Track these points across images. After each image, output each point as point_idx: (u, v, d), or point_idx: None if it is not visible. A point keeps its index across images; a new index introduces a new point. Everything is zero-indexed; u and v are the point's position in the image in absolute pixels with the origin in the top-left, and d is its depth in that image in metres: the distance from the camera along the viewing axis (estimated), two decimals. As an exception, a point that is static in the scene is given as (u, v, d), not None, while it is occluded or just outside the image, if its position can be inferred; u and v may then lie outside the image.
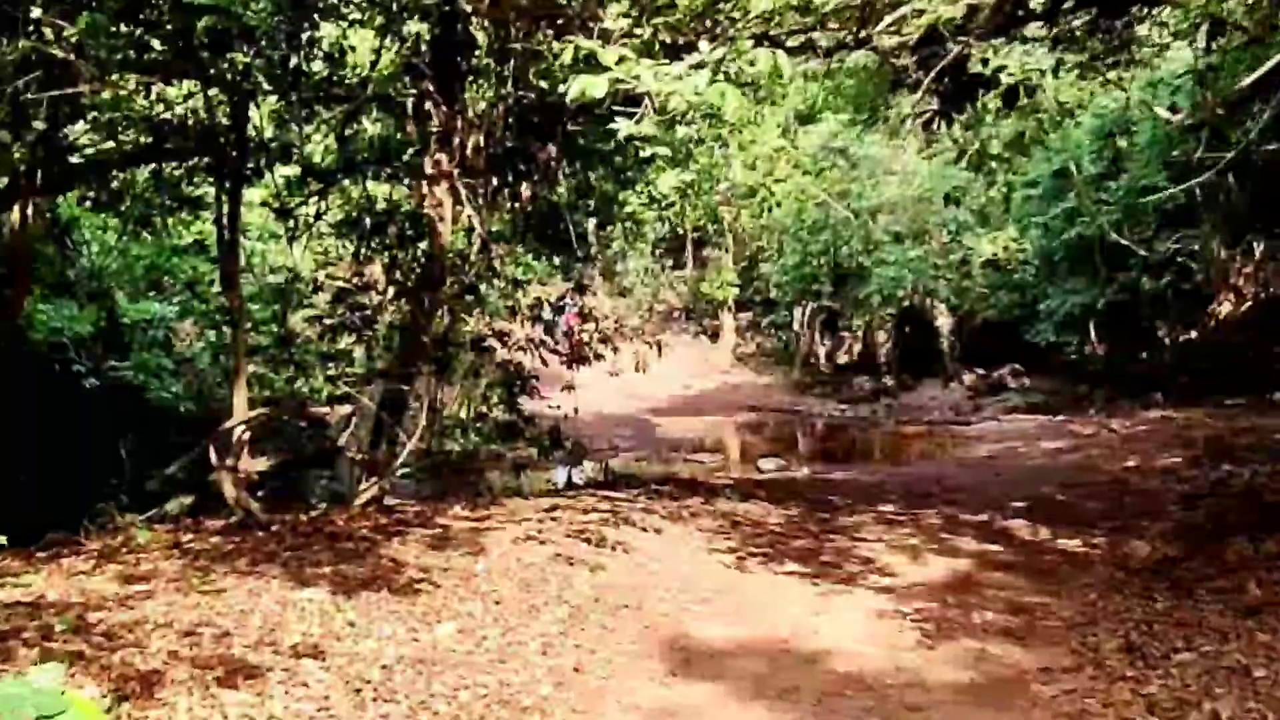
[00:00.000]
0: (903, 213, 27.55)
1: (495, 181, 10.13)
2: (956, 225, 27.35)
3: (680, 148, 6.65)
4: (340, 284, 12.00)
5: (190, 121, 10.53)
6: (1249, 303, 21.74)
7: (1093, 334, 24.05)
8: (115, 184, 10.51)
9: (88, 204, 11.12)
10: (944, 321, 29.16)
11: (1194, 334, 22.92)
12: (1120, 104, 21.58)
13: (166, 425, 12.84)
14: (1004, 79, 7.81)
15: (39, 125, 6.38)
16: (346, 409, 11.07)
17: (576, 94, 5.47)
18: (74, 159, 9.51)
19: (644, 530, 8.85)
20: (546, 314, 12.07)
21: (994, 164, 8.51)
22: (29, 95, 6.26)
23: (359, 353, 12.92)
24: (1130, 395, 21.43)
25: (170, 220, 12.09)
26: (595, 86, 5.43)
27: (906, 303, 28.82)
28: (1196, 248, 20.04)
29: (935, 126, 8.40)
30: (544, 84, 8.26)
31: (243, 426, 9.23)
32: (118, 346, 13.70)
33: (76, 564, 6.95)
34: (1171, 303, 22.05)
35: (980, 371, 27.42)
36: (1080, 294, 23.25)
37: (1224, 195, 18.39)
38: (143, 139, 9.70)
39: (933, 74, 6.83)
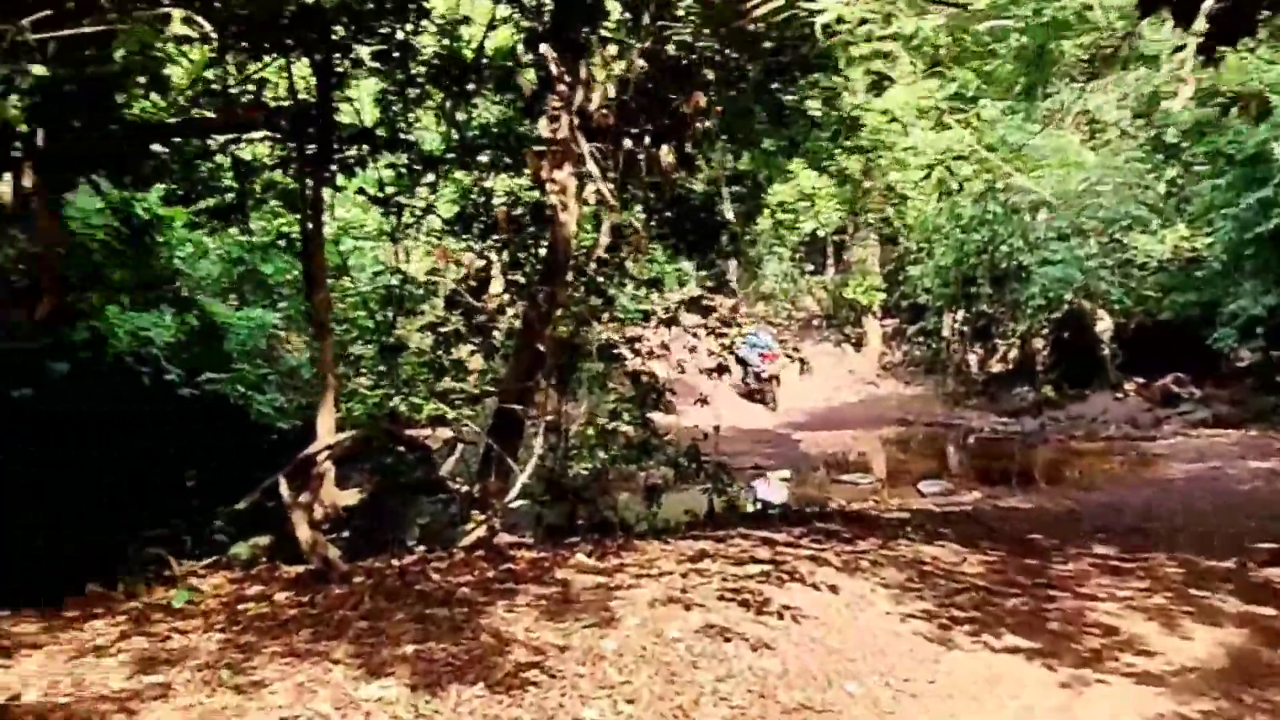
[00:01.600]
0: (1065, 208, 24.94)
1: (629, 145, 8.28)
2: (1130, 220, 24.68)
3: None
4: (454, 286, 10.47)
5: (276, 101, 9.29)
6: None
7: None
8: (179, 163, 9.15)
9: (158, 194, 9.85)
10: (1105, 326, 26.47)
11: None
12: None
13: (269, 445, 11.47)
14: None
15: (38, 70, 4.80)
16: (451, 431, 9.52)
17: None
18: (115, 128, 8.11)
19: (815, 588, 6.90)
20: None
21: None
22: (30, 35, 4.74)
23: (477, 363, 11.38)
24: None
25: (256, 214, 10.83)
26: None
27: (1068, 305, 26.21)
28: None
29: (1202, 61, 6.44)
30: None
31: (327, 453, 7.74)
32: (215, 356, 12.38)
33: (97, 634, 5.45)
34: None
35: (1140, 380, 24.78)
36: (1272, 294, 20.59)
37: None
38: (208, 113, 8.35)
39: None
